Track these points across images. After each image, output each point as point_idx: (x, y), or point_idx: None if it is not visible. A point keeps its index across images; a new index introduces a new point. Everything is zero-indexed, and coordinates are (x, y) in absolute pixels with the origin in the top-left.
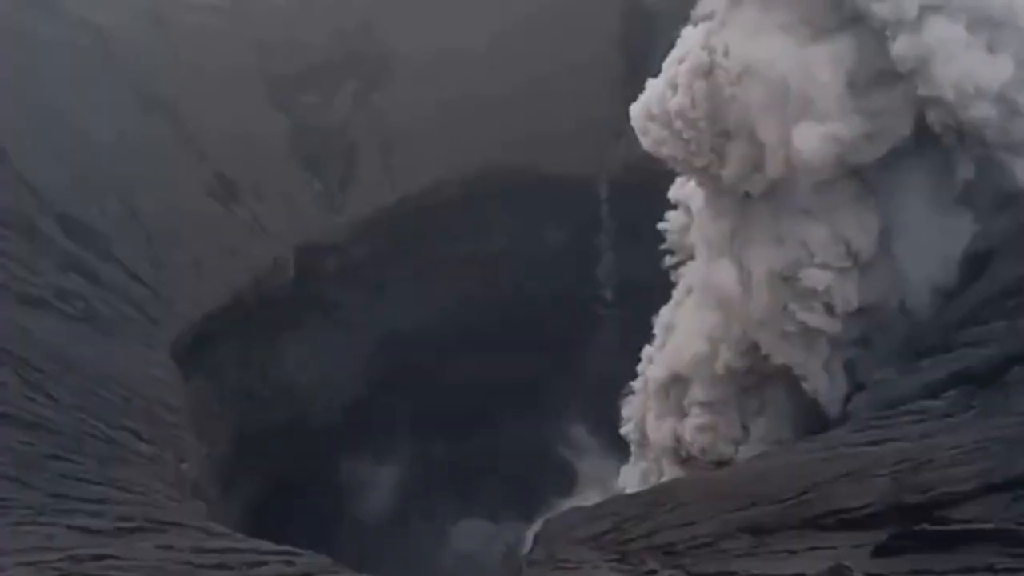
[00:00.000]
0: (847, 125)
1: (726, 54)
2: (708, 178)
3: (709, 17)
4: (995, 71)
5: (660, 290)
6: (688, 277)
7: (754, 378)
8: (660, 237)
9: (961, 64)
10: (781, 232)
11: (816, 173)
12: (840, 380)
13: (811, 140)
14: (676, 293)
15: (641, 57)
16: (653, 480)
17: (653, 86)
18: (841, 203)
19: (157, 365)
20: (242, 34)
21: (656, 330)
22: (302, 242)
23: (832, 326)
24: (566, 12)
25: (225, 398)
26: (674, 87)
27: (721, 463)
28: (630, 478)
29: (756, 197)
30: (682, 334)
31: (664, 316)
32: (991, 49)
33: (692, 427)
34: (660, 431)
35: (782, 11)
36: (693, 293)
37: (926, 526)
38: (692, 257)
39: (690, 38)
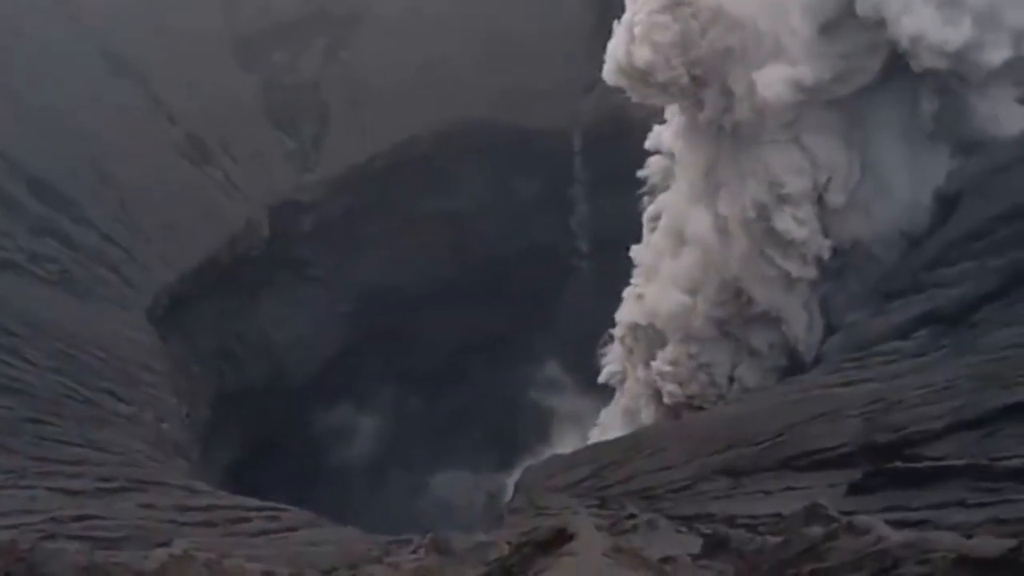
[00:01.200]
0: (813, 69)
1: None
2: (688, 113)
3: None
4: (954, 32)
5: (634, 239)
6: (662, 213)
7: (732, 326)
8: (634, 187)
9: (920, 22)
10: (752, 166)
11: (781, 115)
12: (817, 322)
13: (775, 84)
14: (647, 227)
15: (611, 11)
16: (633, 422)
17: (619, 32)
18: (807, 132)
19: (133, 327)
20: None
21: (633, 277)
22: (275, 201)
23: (809, 272)
24: None
25: (203, 358)
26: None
27: (701, 407)
28: (610, 421)
29: (730, 133)
30: (660, 285)
31: (639, 256)
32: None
33: (672, 377)
34: (640, 378)
35: None
36: (669, 241)
37: (898, 464)
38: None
39: None
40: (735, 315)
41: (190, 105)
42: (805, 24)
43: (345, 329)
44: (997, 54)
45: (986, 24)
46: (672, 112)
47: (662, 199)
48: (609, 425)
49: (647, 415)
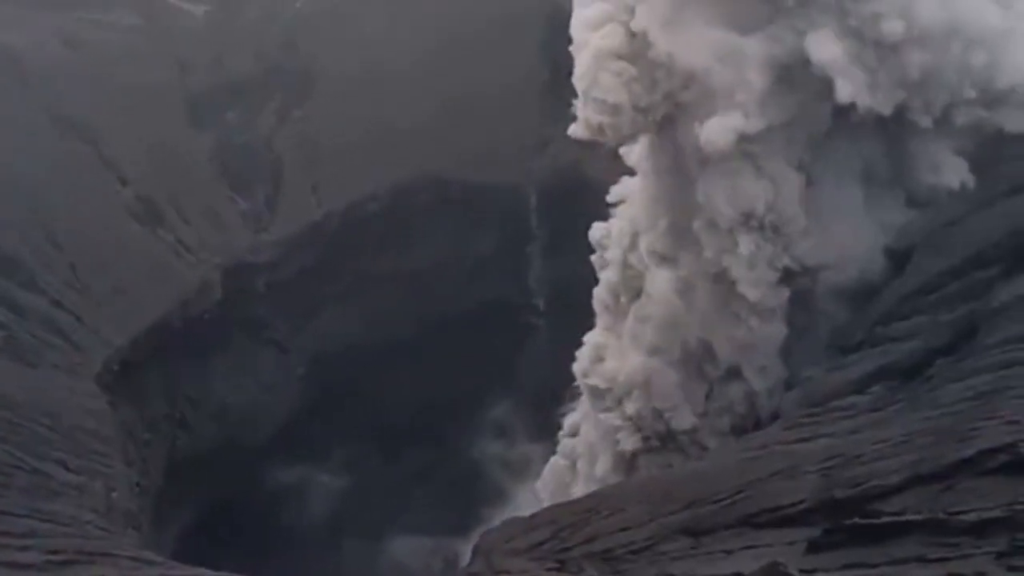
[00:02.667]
0: (764, 117)
1: (649, 40)
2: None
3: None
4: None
5: (591, 297)
6: (618, 286)
7: (695, 383)
8: (590, 244)
9: (854, 89)
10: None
11: (727, 160)
12: (778, 378)
13: (719, 134)
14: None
15: (566, 68)
16: (587, 476)
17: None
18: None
19: (83, 393)
20: (162, 53)
21: (586, 345)
22: (228, 262)
23: (776, 329)
24: (490, 24)
25: (155, 424)
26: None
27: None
28: (558, 474)
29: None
30: (619, 346)
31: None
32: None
33: (630, 429)
34: (596, 428)
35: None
36: (628, 302)
37: (857, 520)
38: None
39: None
40: (698, 373)
41: (142, 166)
42: (761, 75)
43: (301, 391)
44: (927, 118)
45: (917, 90)
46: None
47: (617, 256)
48: (557, 479)
49: (603, 465)
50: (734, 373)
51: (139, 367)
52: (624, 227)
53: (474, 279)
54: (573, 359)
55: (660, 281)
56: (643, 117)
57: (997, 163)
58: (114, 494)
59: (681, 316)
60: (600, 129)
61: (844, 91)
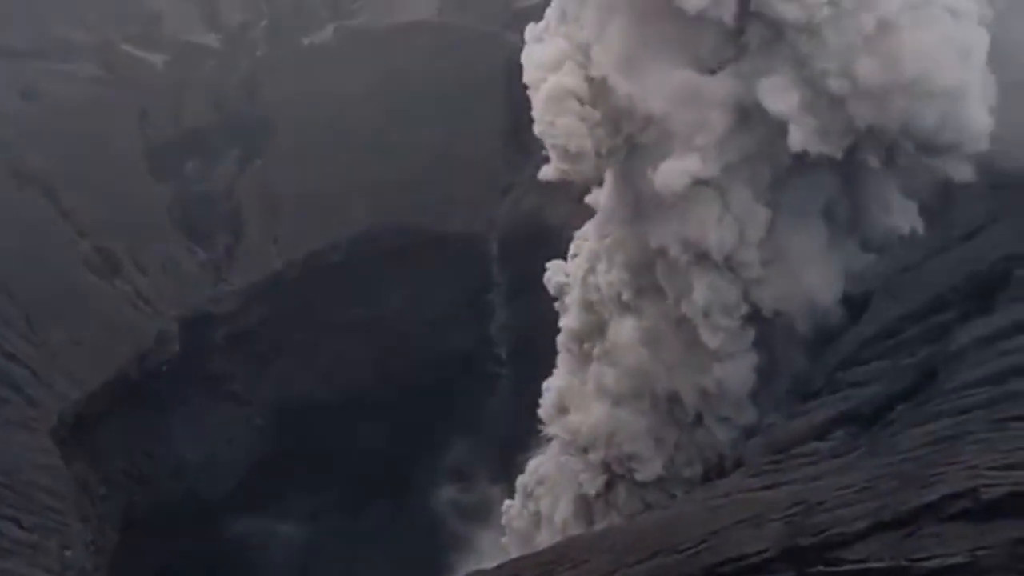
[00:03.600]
0: (721, 159)
1: (606, 82)
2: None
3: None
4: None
5: (554, 345)
6: (580, 333)
7: (662, 432)
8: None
9: (803, 137)
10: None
11: (683, 200)
12: (745, 424)
13: (674, 176)
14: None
15: (527, 114)
16: (548, 522)
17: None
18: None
19: (37, 449)
20: (122, 103)
21: (549, 392)
22: (187, 314)
23: (745, 379)
24: (450, 72)
25: (111, 480)
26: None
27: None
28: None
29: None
30: (583, 396)
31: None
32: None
33: (594, 474)
34: (560, 471)
35: (665, 39)
36: (589, 351)
37: (821, 568)
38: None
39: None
40: (666, 422)
41: (99, 217)
42: (722, 117)
43: (261, 444)
44: (876, 159)
45: (865, 137)
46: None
47: (578, 301)
48: (520, 526)
49: (564, 510)
50: (702, 422)
51: (95, 421)
52: (583, 270)
53: (435, 328)
54: (537, 407)
55: (624, 329)
56: (604, 161)
57: (951, 208)
58: (68, 552)
59: (647, 364)
60: (566, 173)
61: (796, 138)
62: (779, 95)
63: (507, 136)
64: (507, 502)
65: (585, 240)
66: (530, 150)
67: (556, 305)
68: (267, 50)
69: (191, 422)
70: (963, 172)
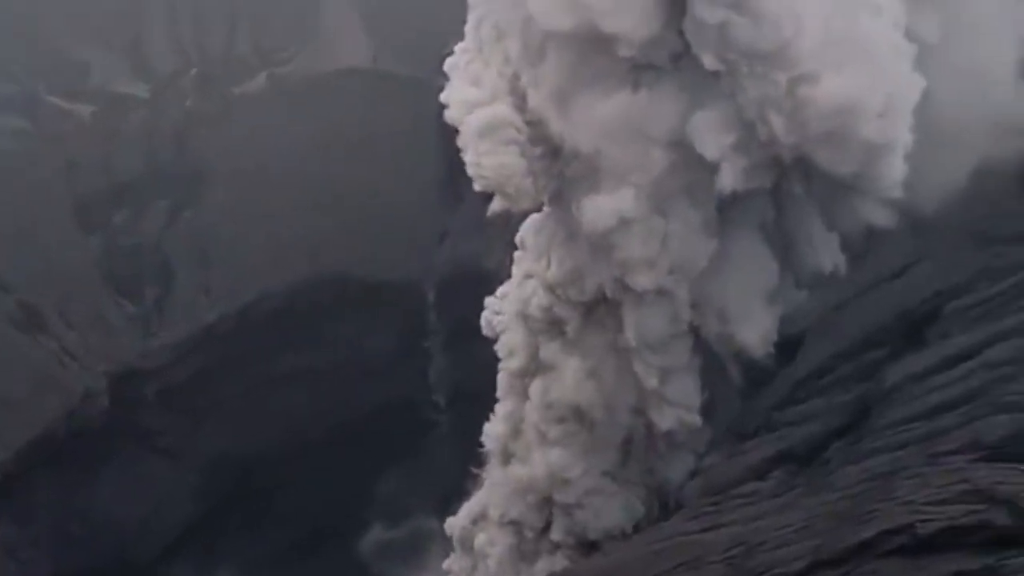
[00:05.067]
0: (651, 201)
1: (541, 118)
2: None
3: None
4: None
5: (493, 390)
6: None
7: (610, 476)
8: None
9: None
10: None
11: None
12: (686, 466)
13: (601, 214)
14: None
15: (461, 160)
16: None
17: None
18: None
19: None
20: (49, 155)
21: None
22: (115, 369)
23: (691, 422)
24: (383, 119)
25: (38, 542)
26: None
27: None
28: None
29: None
30: (525, 445)
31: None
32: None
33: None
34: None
35: (600, 75)
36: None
37: None
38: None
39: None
40: (617, 465)
41: (24, 271)
42: (664, 155)
43: (196, 501)
44: (801, 187)
45: (794, 168)
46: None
47: (515, 341)
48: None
49: (500, 550)
50: (651, 466)
51: (22, 481)
52: (519, 306)
53: (373, 378)
54: (478, 454)
55: (567, 368)
56: (536, 196)
57: (879, 245)
58: None
59: (591, 403)
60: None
61: (727, 179)
62: (712, 136)
63: (442, 182)
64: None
65: (522, 276)
66: (465, 195)
67: (495, 348)
68: (197, 99)
69: (122, 480)
70: (880, 216)
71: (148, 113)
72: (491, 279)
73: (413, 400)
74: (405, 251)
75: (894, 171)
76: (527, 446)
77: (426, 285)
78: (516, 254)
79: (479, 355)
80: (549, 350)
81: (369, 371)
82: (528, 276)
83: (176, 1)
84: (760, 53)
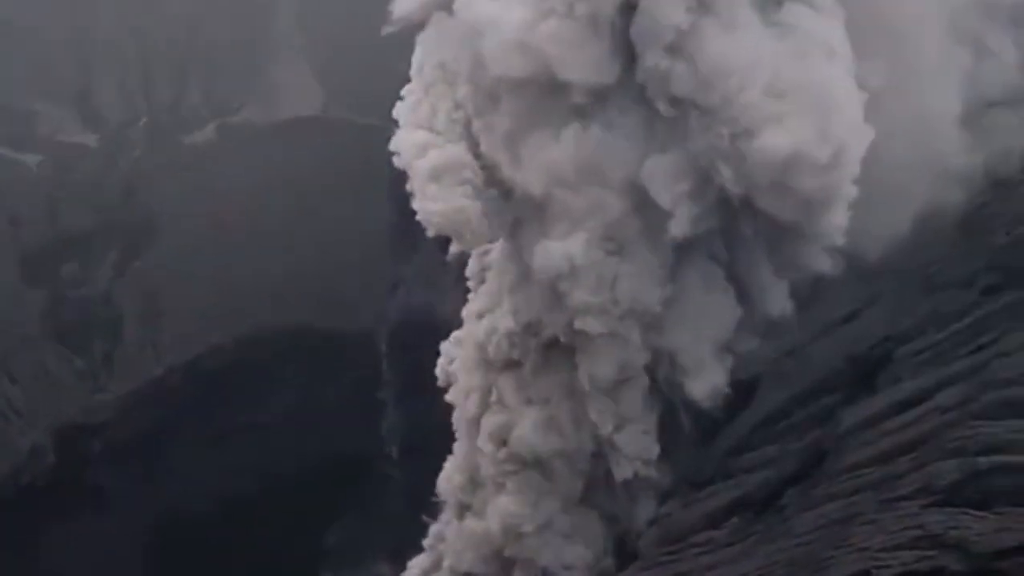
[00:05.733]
0: (602, 249)
1: (492, 161)
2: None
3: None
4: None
5: (446, 442)
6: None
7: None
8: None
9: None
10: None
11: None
12: (647, 512)
13: (554, 260)
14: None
15: (412, 208)
16: None
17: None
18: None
19: None
20: None
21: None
22: (62, 424)
23: (649, 474)
24: (334, 167)
25: None
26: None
27: None
28: None
29: None
30: (482, 499)
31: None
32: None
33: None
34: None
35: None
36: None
37: None
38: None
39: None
40: (576, 513)
41: None
42: (619, 200)
43: (146, 560)
44: (749, 228)
45: (743, 212)
46: None
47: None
48: None
49: None
50: (612, 513)
51: None
52: (474, 350)
53: (325, 431)
54: (431, 506)
55: (527, 420)
56: (491, 237)
57: (829, 290)
58: None
59: (550, 456)
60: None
61: (679, 227)
62: (666, 184)
63: (394, 230)
64: None
65: (476, 316)
66: (418, 244)
67: (449, 397)
68: (147, 149)
69: (70, 539)
70: (824, 263)
71: (97, 163)
72: (445, 328)
73: (366, 453)
74: (357, 301)
75: (837, 220)
76: (483, 498)
77: (379, 335)
78: (470, 294)
79: (432, 406)
80: (506, 394)
81: (321, 423)
82: (481, 316)
83: (126, 51)
84: (704, 106)
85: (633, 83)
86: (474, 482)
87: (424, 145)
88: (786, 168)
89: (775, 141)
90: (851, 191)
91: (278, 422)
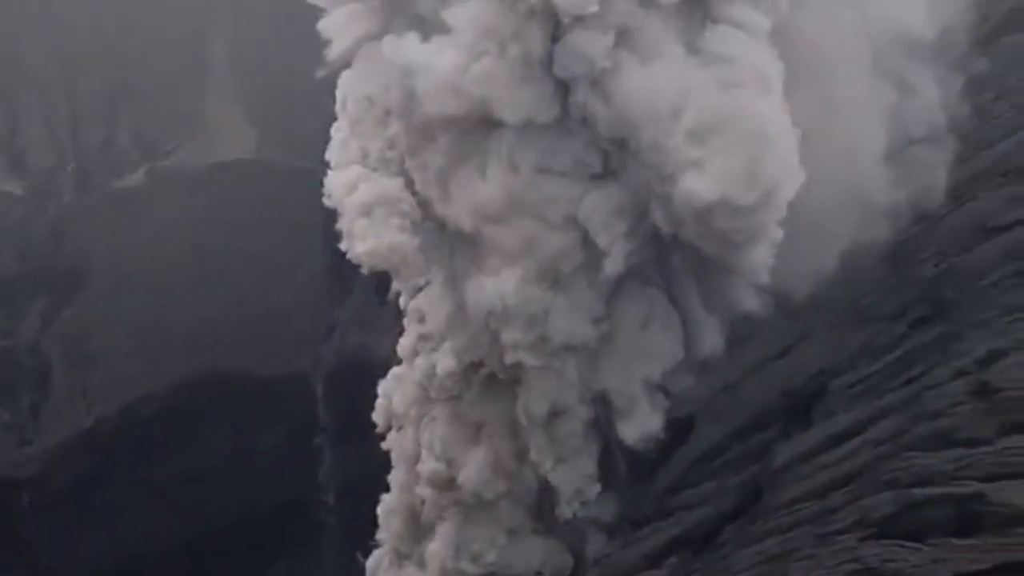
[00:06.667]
0: (538, 285)
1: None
2: None
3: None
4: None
5: (384, 487)
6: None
7: None
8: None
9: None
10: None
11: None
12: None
13: (487, 294)
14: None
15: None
16: None
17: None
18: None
19: None
20: None
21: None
22: None
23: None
24: (267, 211)
25: None
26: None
27: None
28: None
29: None
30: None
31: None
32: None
33: None
34: None
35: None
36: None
37: None
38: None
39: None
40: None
41: None
42: (556, 237)
43: None
44: (679, 262)
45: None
46: None
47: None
48: None
49: None
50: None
51: None
52: (412, 387)
53: (261, 477)
54: (368, 552)
55: (470, 465)
56: (426, 271)
57: (763, 326)
58: None
59: (495, 497)
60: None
61: (613, 268)
62: (605, 223)
63: (329, 273)
64: None
65: (412, 352)
66: (353, 287)
67: (386, 440)
68: (75, 195)
69: None
70: (751, 301)
71: (24, 210)
72: (381, 370)
73: (302, 499)
74: (292, 345)
75: (761, 258)
76: (422, 548)
77: (314, 379)
78: (407, 328)
79: (369, 451)
80: (447, 432)
81: (256, 470)
82: (418, 353)
83: (53, 95)
84: (630, 148)
85: (570, 120)
86: (414, 524)
87: (354, 182)
88: (710, 211)
89: (698, 187)
90: (777, 233)
91: (213, 468)
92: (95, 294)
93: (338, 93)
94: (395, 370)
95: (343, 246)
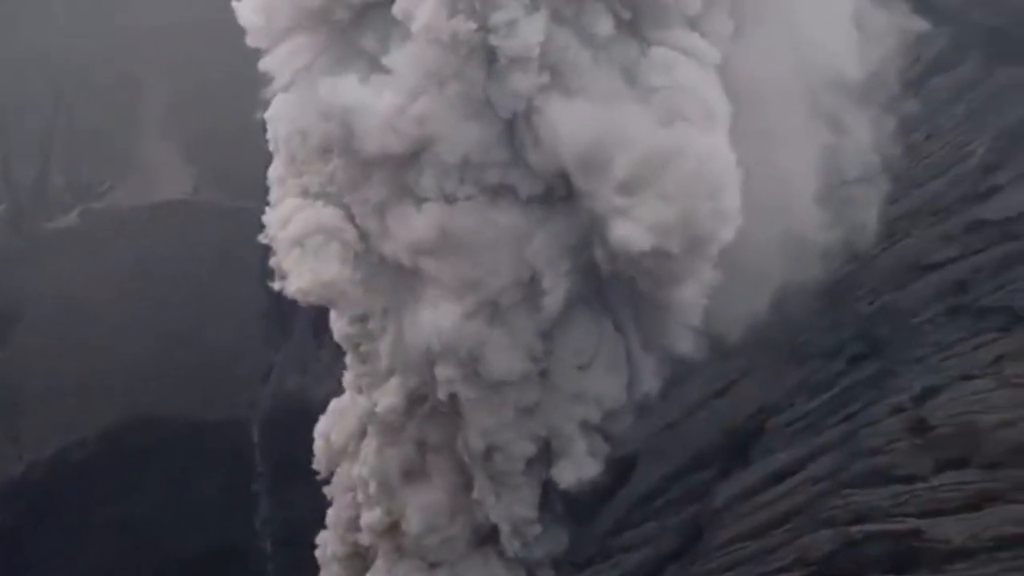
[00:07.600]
0: (479, 322)
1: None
2: None
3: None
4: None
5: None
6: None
7: None
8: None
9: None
10: None
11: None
12: None
13: (425, 331)
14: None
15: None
16: None
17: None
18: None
19: None
20: None
21: None
22: None
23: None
24: (203, 252)
25: None
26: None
27: None
28: None
29: None
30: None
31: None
32: None
33: None
34: None
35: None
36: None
37: None
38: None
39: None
40: None
41: None
42: (497, 274)
43: None
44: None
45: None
46: None
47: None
48: None
49: None
50: None
51: None
52: (352, 423)
53: (196, 524)
54: None
55: (411, 510)
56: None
57: (703, 365)
58: None
59: (440, 543)
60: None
61: (553, 306)
62: (550, 261)
63: (266, 316)
64: None
65: (354, 386)
66: (291, 329)
67: (325, 489)
68: (7, 237)
69: None
70: (684, 342)
71: None
72: (318, 414)
73: (239, 547)
74: (229, 389)
75: (693, 298)
76: None
77: (250, 424)
78: (349, 362)
79: (307, 496)
80: (390, 469)
81: (191, 517)
82: (361, 390)
83: None
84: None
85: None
86: (353, 568)
87: (289, 216)
88: (644, 258)
89: (631, 236)
90: (709, 275)
91: (146, 517)
92: (27, 337)
93: (269, 127)
94: (334, 403)
95: (276, 284)
